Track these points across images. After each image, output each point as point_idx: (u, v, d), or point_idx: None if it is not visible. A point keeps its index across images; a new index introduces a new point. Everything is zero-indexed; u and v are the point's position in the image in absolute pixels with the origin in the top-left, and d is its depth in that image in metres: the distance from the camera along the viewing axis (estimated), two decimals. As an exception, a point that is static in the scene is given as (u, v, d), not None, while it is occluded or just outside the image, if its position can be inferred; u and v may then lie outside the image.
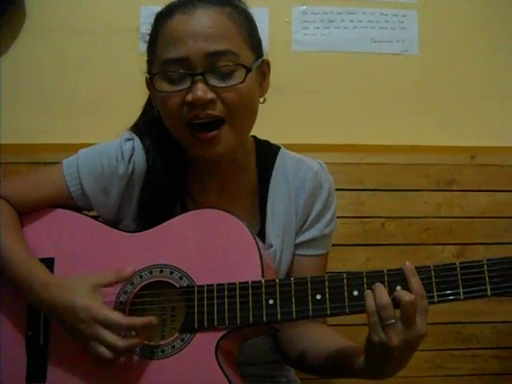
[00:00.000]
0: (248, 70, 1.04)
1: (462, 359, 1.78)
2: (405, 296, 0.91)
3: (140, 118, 1.21)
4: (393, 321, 0.91)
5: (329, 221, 1.19)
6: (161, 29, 1.06)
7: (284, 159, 1.20)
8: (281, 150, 1.21)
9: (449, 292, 0.95)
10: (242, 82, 1.03)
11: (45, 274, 1.05)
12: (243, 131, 1.11)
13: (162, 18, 1.07)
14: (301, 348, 1.13)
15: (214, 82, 1.02)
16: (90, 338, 0.97)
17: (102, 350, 0.96)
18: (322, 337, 1.13)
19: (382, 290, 0.93)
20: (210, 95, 1.02)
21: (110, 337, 0.96)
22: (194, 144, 1.06)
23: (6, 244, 1.07)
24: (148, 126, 1.17)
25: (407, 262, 0.95)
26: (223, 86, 1.02)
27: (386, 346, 0.91)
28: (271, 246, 1.14)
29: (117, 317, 0.97)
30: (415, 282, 0.93)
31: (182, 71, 1.02)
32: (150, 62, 1.10)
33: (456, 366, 1.78)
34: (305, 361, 1.12)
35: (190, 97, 1.02)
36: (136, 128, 1.19)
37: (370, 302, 0.93)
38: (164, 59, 1.04)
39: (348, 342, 1.09)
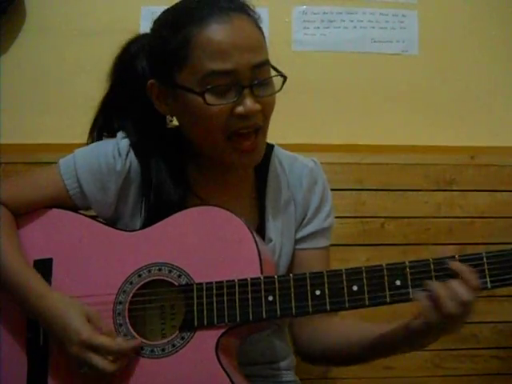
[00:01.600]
0: (285, 78, 1.07)
1: (461, 359, 1.78)
2: (468, 296, 0.92)
3: (96, 119, 1.22)
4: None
5: (327, 214, 1.21)
6: (195, 37, 1.03)
7: (279, 156, 1.23)
8: (275, 147, 1.24)
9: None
10: (279, 90, 1.07)
11: (43, 285, 1.06)
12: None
13: (190, 23, 1.04)
14: (328, 341, 1.14)
15: (259, 92, 1.05)
16: (79, 359, 0.99)
17: (90, 373, 0.99)
18: (347, 326, 1.14)
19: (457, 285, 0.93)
20: (258, 106, 1.04)
21: (99, 362, 0.97)
22: (233, 154, 1.08)
23: (4, 253, 1.07)
24: (137, 127, 1.17)
25: (457, 257, 0.96)
26: (266, 95, 1.06)
27: (442, 329, 0.95)
28: (271, 241, 1.15)
29: (107, 342, 0.98)
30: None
31: (230, 84, 1.03)
32: (172, 69, 1.06)
33: (456, 366, 1.78)
34: (336, 353, 1.13)
35: (241, 109, 1.03)
36: (125, 130, 1.18)
37: (441, 291, 0.93)
38: (209, 71, 1.02)
39: (374, 324, 1.09)
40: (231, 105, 1.04)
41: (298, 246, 1.20)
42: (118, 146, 1.15)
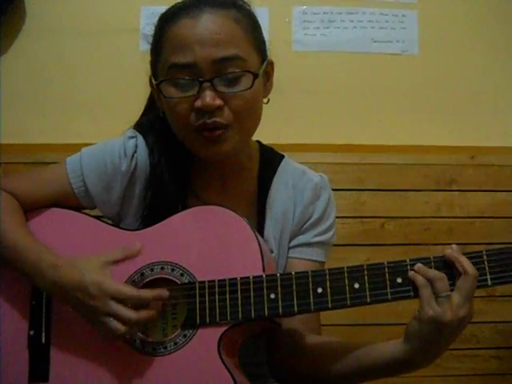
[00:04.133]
0: (256, 76, 1.04)
1: (461, 359, 1.78)
2: (470, 269, 0.92)
3: (143, 115, 1.22)
4: (448, 293, 0.92)
5: (325, 230, 1.19)
6: (166, 32, 1.05)
7: (286, 168, 1.20)
8: (284, 159, 1.22)
9: (449, 282, 0.95)
10: (249, 88, 1.03)
11: (53, 255, 1.05)
12: (248, 133, 1.11)
13: (166, 20, 1.06)
14: (312, 359, 1.10)
15: (221, 88, 1.02)
16: (101, 313, 0.97)
17: (115, 324, 0.96)
18: (333, 343, 1.11)
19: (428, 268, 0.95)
20: (218, 102, 1.02)
21: (123, 310, 0.96)
22: (200, 144, 1.07)
23: (12, 231, 1.07)
24: (152, 124, 1.17)
25: (454, 245, 0.97)
26: (231, 92, 1.03)
27: (439, 320, 0.92)
28: (272, 252, 1.15)
29: (128, 289, 0.98)
30: (466, 260, 0.94)
31: (189, 77, 1.02)
32: (154, 64, 1.10)
33: (456, 366, 1.78)
34: (322, 370, 1.08)
35: (198, 103, 1.02)
36: (140, 126, 1.19)
37: (419, 277, 0.94)
38: (170, 64, 1.03)
39: (364, 342, 1.07)
40: (191, 98, 1.03)
41: (289, 255, 1.17)
42: (125, 145, 1.15)
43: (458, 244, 1.79)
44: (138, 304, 0.98)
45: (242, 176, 1.18)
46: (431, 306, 0.93)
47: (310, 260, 1.17)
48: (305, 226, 1.18)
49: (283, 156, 1.23)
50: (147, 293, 0.99)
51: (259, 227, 1.16)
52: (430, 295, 0.93)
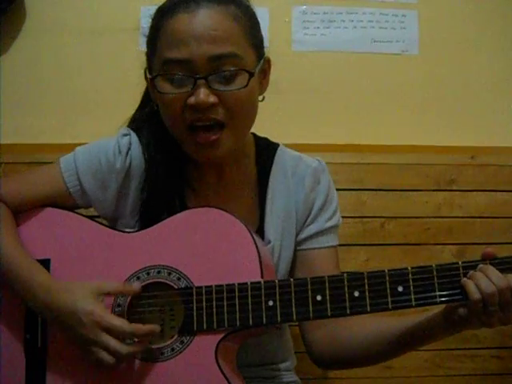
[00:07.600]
0: (251, 74, 1.04)
1: (461, 359, 1.78)
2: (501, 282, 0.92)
3: (137, 110, 1.21)
4: (497, 307, 0.92)
5: (331, 214, 1.20)
6: (163, 26, 1.05)
7: (283, 156, 1.21)
8: (279, 148, 1.22)
9: (451, 292, 0.95)
10: (244, 87, 1.03)
11: (46, 277, 1.04)
12: (243, 132, 1.11)
13: (164, 13, 1.06)
14: (350, 343, 1.11)
15: (216, 85, 1.02)
16: (91, 343, 0.96)
17: (104, 355, 0.96)
18: (369, 324, 1.10)
19: (494, 272, 0.93)
20: (213, 99, 1.02)
21: (113, 343, 0.95)
22: (194, 147, 1.06)
23: (5, 248, 1.06)
24: (146, 117, 1.17)
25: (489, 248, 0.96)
26: (226, 90, 1.02)
27: (485, 325, 0.94)
28: (269, 242, 1.14)
29: (120, 323, 0.97)
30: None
31: (184, 73, 1.02)
32: (149, 57, 1.10)
33: (456, 366, 1.78)
34: (361, 354, 1.10)
35: (192, 100, 1.02)
36: (134, 120, 1.19)
37: (472, 289, 0.92)
38: (165, 59, 1.03)
39: (398, 318, 1.08)
40: (185, 95, 1.02)
41: (303, 246, 1.18)
42: (119, 143, 1.15)
43: (457, 244, 1.81)
44: (128, 338, 0.97)
45: (239, 170, 1.18)
46: (479, 318, 0.94)
47: (327, 247, 1.18)
48: (312, 215, 1.18)
49: (278, 144, 1.23)
50: (139, 327, 0.98)
51: (260, 220, 1.16)
52: (479, 310, 0.93)
